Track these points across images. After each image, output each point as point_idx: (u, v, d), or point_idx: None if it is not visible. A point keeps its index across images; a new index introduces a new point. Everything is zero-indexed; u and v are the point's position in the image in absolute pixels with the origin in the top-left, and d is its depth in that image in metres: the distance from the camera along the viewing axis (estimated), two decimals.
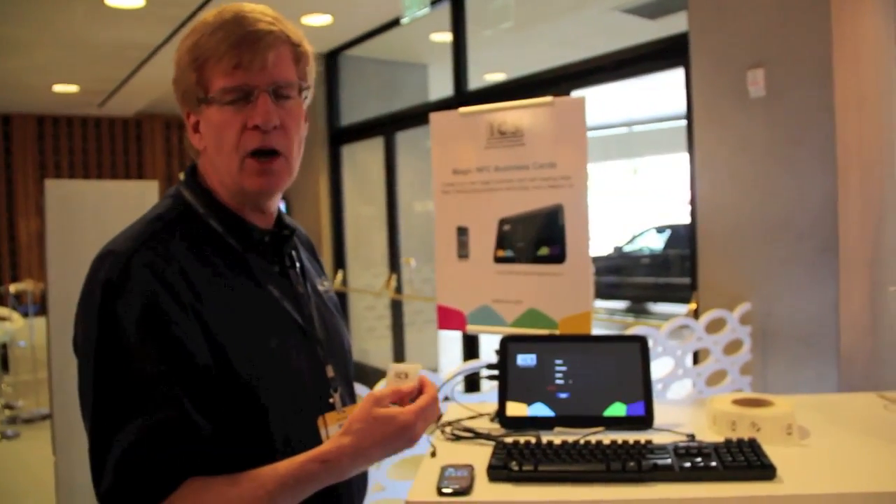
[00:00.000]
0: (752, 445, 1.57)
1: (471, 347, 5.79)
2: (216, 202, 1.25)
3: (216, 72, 1.18)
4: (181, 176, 1.30)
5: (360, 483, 1.38)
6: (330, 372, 1.30)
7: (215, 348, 1.12)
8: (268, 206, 1.30)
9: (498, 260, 2.31)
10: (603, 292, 11.95)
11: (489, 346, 2.33)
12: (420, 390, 1.20)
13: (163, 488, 1.05)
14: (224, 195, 1.25)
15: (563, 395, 1.88)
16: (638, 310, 11.83)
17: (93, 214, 3.62)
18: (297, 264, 1.36)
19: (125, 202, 3.74)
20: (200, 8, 5.41)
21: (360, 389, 2.20)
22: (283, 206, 3.58)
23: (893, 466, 1.56)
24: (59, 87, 8.66)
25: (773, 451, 1.56)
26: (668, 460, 1.52)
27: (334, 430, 1.24)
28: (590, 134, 2.19)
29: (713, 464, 1.50)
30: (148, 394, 1.06)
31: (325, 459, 1.11)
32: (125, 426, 1.05)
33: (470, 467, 1.58)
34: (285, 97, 1.22)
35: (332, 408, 1.28)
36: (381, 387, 1.27)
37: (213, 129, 1.21)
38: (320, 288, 1.41)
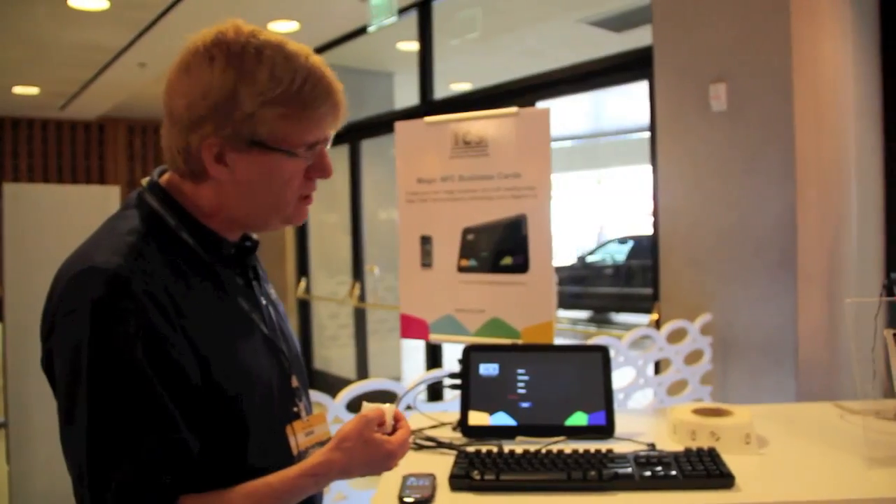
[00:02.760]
0: (712, 454, 1.59)
1: (433, 356, 5.78)
2: (187, 215, 1.21)
3: (301, 126, 1.19)
4: (143, 182, 1.24)
5: None
6: (294, 382, 1.31)
7: (201, 363, 1.10)
8: None
9: (461, 269, 2.31)
10: (566, 302, 12.01)
11: (452, 356, 2.34)
12: (396, 424, 1.25)
13: None
14: (215, 218, 1.22)
15: (525, 405, 1.89)
16: (600, 319, 11.91)
17: (53, 219, 3.56)
18: (259, 274, 1.35)
19: (86, 207, 3.69)
20: (165, 12, 5.36)
21: (321, 398, 2.19)
22: None
23: (849, 475, 1.59)
24: (19, 89, 8.52)
25: (732, 460, 1.58)
26: (629, 469, 1.54)
27: (302, 437, 1.26)
28: (554, 144, 2.20)
29: (673, 473, 1.52)
30: (147, 419, 1.04)
31: (316, 474, 1.15)
32: (125, 453, 1.03)
33: (432, 476, 1.58)
34: None
35: (297, 416, 1.28)
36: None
37: (272, 175, 1.19)
38: (272, 297, 1.41)
